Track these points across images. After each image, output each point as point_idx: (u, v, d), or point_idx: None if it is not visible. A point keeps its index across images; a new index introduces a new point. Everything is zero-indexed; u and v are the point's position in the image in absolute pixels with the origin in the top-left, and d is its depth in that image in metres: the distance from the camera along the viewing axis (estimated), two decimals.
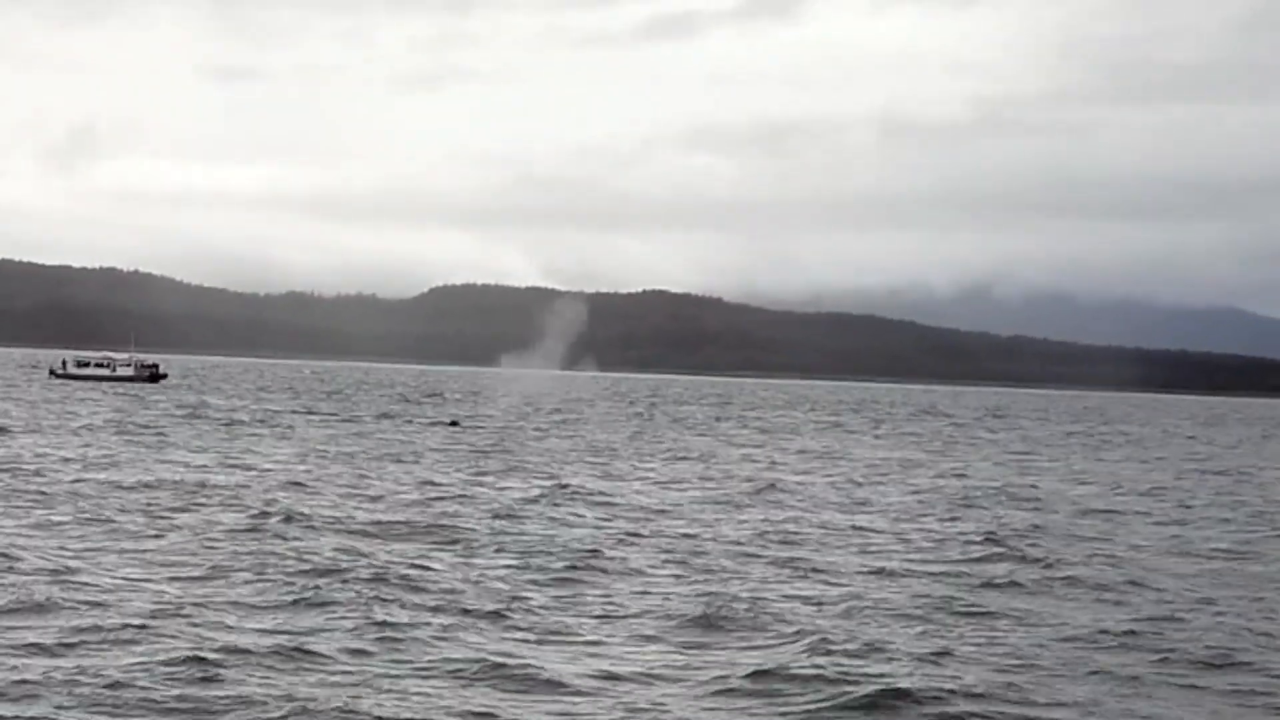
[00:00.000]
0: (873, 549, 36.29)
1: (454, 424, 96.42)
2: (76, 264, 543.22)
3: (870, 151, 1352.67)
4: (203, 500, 41.44)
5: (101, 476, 47.36)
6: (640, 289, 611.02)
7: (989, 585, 30.50)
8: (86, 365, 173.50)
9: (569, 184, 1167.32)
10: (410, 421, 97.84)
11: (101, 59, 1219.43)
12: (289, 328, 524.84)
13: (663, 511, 43.73)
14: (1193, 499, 55.62)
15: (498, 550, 33.47)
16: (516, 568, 30.87)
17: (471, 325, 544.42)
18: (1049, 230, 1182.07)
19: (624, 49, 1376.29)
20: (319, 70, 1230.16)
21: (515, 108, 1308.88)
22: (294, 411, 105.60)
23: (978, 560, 34.43)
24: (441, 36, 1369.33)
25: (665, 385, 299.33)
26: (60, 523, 35.38)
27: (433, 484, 49.42)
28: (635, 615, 25.76)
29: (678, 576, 30.42)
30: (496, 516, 40.25)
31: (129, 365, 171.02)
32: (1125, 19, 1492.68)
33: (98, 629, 22.42)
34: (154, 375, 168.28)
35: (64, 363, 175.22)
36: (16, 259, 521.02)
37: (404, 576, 28.44)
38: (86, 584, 26.57)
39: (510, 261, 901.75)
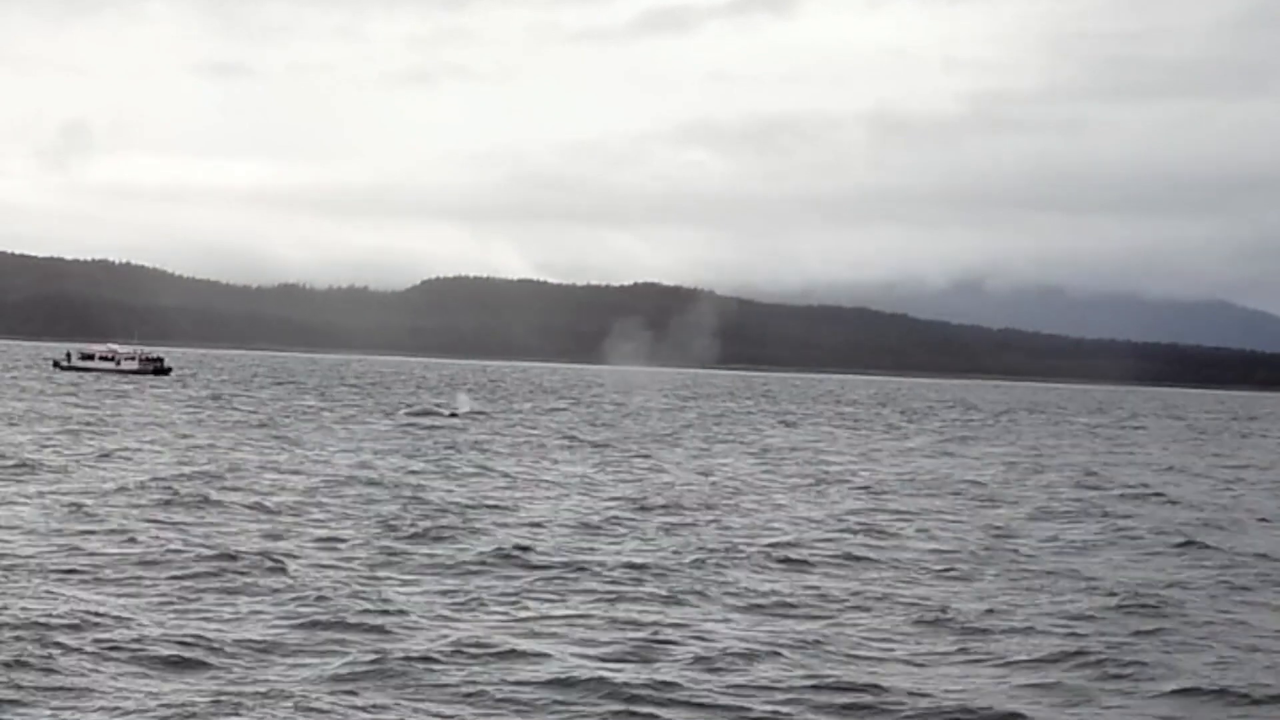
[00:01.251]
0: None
1: (453, 415, 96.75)
2: (69, 256, 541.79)
3: (863, 147, 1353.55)
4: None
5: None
6: (631, 282, 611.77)
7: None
8: (91, 358, 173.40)
9: (562, 179, 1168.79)
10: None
11: (96, 55, 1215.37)
12: (280, 320, 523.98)
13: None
14: None
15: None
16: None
17: (463, 318, 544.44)
18: (1040, 224, 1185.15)
19: (617, 45, 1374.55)
20: (312, 66, 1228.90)
21: (508, 103, 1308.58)
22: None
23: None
24: (435, 32, 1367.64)
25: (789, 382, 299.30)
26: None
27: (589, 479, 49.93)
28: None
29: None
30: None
31: (133, 358, 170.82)
32: (1118, 15, 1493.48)
33: None
34: (159, 368, 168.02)
35: (68, 355, 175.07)
36: (8, 251, 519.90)
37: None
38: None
39: (502, 255, 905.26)
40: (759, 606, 26.07)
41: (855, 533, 37.24)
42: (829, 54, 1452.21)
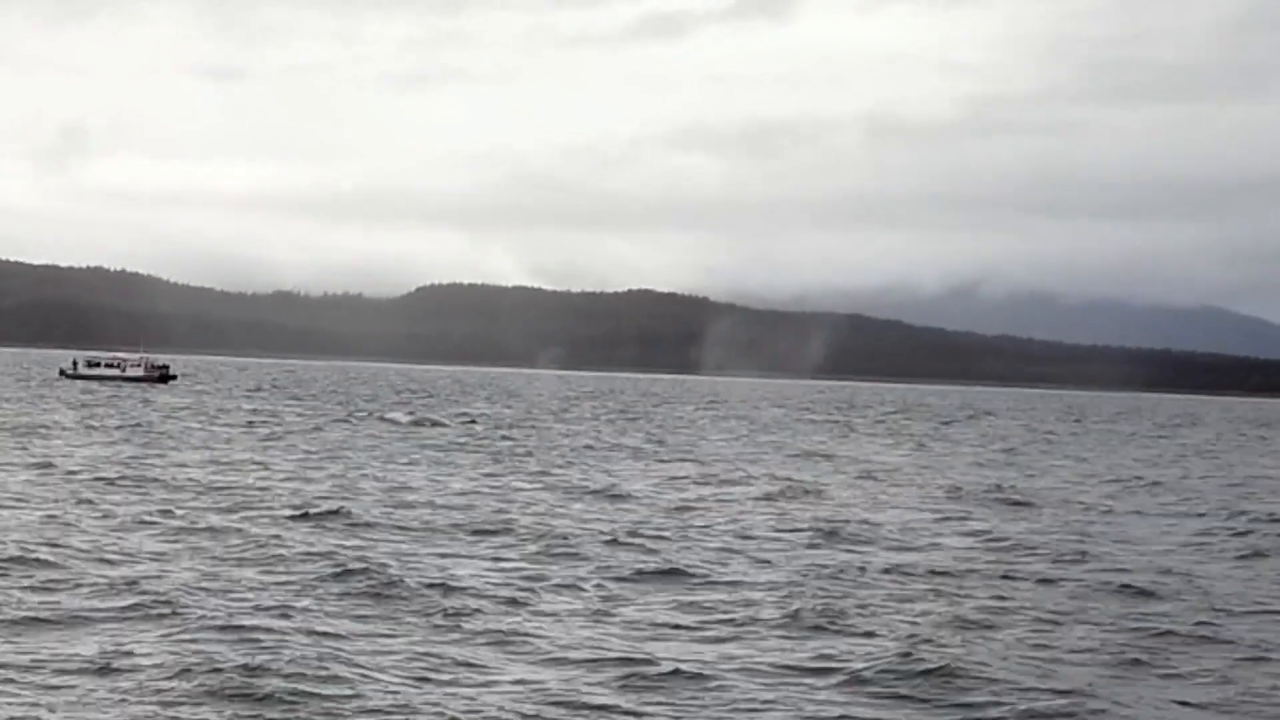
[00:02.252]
0: None
1: (472, 421, 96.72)
2: (64, 263, 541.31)
3: (858, 151, 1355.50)
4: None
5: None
6: (626, 288, 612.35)
7: None
8: (97, 365, 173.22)
9: (557, 184, 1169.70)
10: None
11: (91, 58, 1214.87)
12: (275, 327, 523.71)
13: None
14: None
15: None
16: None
17: (458, 324, 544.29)
18: (1034, 230, 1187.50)
19: (614, 48, 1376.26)
20: (308, 70, 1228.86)
21: (504, 107, 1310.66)
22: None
23: None
24: (431, 36, 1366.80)
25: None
26: None
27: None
28: None
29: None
30: None
31: (139, 365, 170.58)
32: (1113, 19, 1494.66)
33: None
34: (164, 376, 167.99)
35: (75, 363, 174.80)
36: (2, 258, 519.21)
37: None
38: None
39: (497, 261, 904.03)
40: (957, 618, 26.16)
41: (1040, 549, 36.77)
42: (825, 57, 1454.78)
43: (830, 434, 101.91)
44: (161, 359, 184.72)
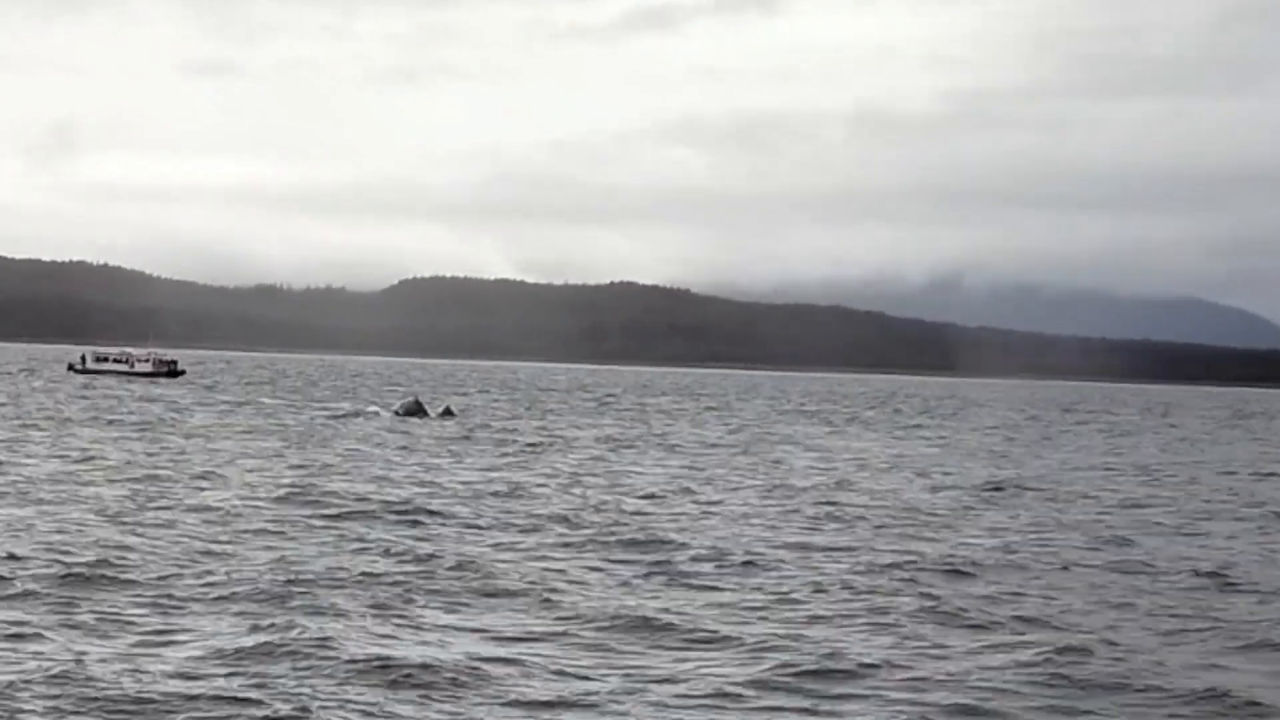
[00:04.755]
0: None
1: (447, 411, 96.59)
2: (46, 257, 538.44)
3: (846, 145, 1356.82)
4: None
5: None
6: (609, 281, 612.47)
7: None
8: (105, 360, 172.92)
9: (545, 178, 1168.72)
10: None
11: (83, 53, 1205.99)
12: (257, 320, 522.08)
13: None
14: None
15: None
16: None
17: (440, 318, 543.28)
18: (1018, 223, 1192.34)
19: (604, 42, 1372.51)
20: (299, 65, 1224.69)
21: (495, 101, 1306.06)
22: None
23: None
24: (422, 30, 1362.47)
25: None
26: None
27: None
28: None
29: None
30: None
31: (147, 361, 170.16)
32: (1100, 14, 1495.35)
33: None
34: (172, 371, 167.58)
35: (83, 358, 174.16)
36: None
37: None
38: None
39: (482, 254, 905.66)
40: None
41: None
42: (815, 51, 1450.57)
43: None
44: (168, 354, 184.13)
